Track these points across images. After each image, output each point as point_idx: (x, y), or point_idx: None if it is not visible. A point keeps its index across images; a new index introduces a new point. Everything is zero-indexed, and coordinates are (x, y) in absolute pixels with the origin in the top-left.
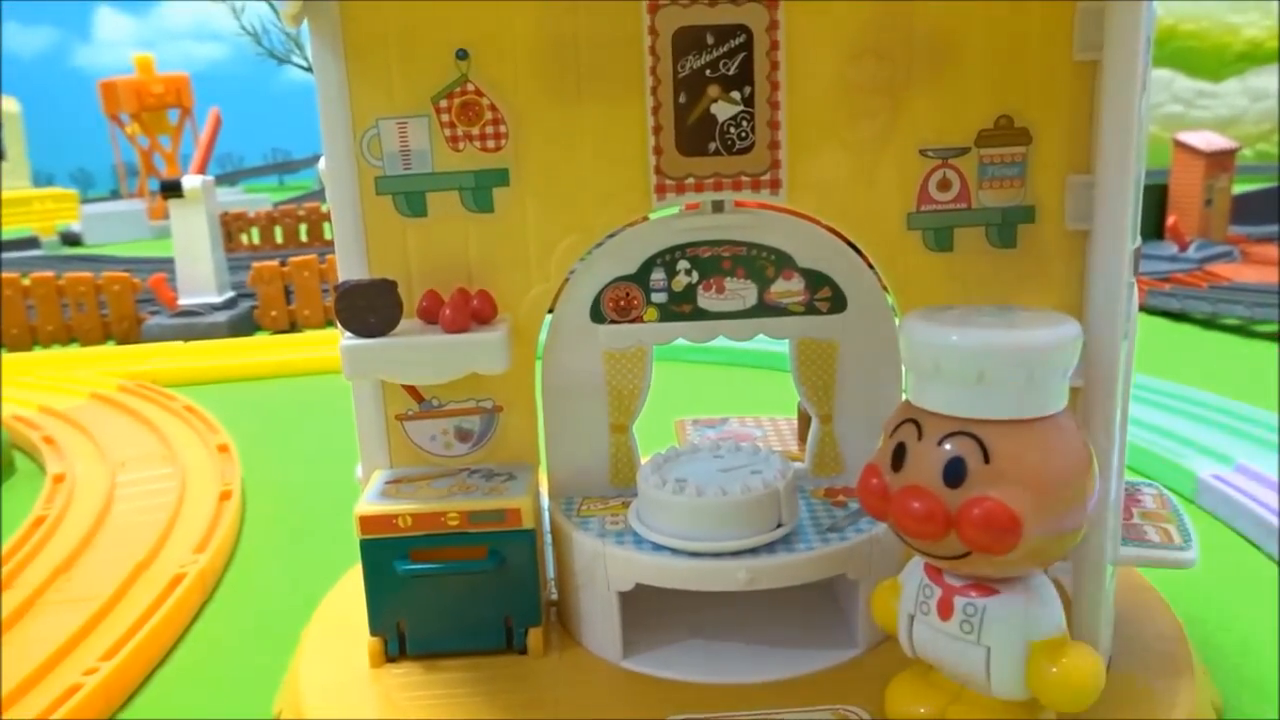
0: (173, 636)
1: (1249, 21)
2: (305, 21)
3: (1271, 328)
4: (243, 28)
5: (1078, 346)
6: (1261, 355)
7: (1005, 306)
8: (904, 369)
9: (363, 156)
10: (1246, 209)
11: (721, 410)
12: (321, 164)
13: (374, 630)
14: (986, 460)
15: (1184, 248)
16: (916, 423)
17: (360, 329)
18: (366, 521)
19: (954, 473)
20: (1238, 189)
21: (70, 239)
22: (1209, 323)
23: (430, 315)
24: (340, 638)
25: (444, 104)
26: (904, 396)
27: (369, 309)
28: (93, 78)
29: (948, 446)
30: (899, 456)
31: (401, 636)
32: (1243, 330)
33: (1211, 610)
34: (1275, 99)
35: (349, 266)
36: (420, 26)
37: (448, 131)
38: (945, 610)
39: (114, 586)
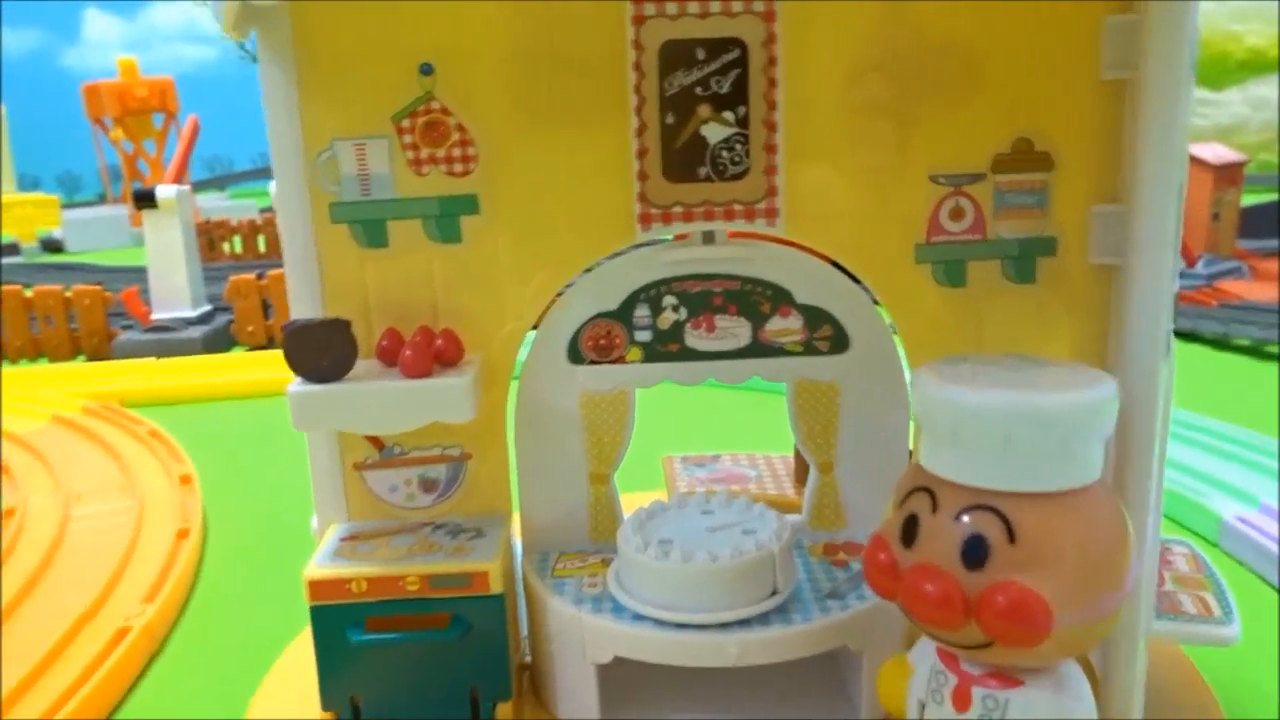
0: (110, 701)
1: (1250, 29)
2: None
3: None
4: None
5: (1114, 408)
6: (1276, 379)
7: (1029, 357)
8: (913, 424)
9: (316, 180)
10: (1252, 223)
11: (713, 440)
12: (272, 187)
13: (326, 705)
14: (1012, 539)
15: (1192, 263)
16: (931, 492)
17: (311, 373)
18: (316, 586)
19: (974, 552)
20: (1242, 202)
21: (51, 245)
22: (1220, 343)
23: (390, 356)
24: (292, 707)
25: (407, 123)
26: (912, 452)
27: (321, 350)
28: (80, 80)
29: (967, 521)
30: (910, 529)
31: (356, 711)
32: (1255, 352)
33: (1244, 672)
34: (1276, 108)
35: (301, 303)
36: (381, 37)
37: (411, 154)
38: (962, 701)
39: (51, 642)
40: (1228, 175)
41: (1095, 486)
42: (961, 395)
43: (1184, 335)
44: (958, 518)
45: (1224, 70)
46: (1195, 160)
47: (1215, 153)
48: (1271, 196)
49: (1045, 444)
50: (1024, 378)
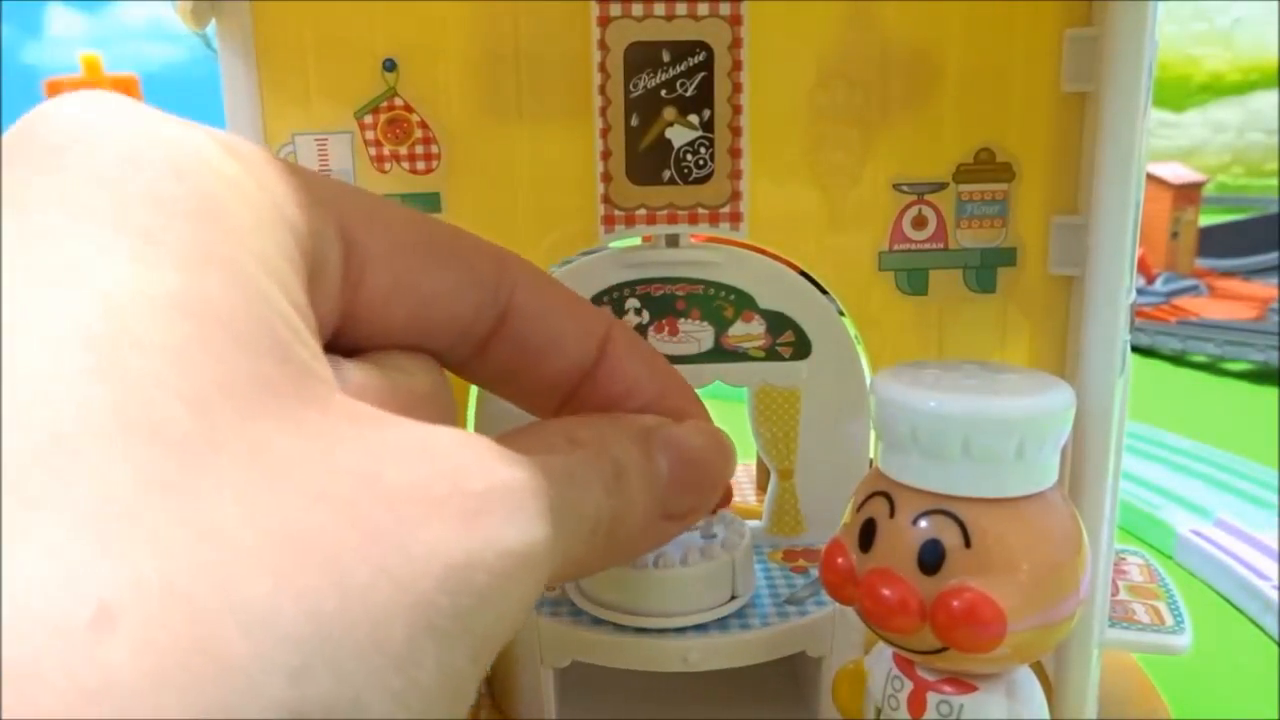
0: None
1: (1210, 54)
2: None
3: (1241, 366)
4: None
5: (1071, 414)
6: (1233, 395)
7: (990, 364)
8: (873, 431)
9: None
10: (1212, 242)
11: None
12: None
13: None
14: (968, 544)
15: (1150, 281)
16: (889, 496)
17: None
18: None
19: (930, 557)
20: (1201, 222)
21: None
22: (1178, 359)
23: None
24: None
25: (369, 120)
26: (872, 458)
27: None
28: (43, 76)
29: (923, 526)
30: (868, 534)
31: None
32: (1212, 368)
33: (1195, 681)
34: (1235, 131)
35: None
36: (344, 32)
37: (373, 150)
38: (917, 707)
39: None
40: (1187, 195)
41: (1051, 493)
42: (920, 400)
43: (1143, 351)
44: (914, 522)
45: (1185, 93)
46: (1155, 179)
47: (1175, 173)
48: (1232, 217)
49: (1003, 449)
50: (982, 383)
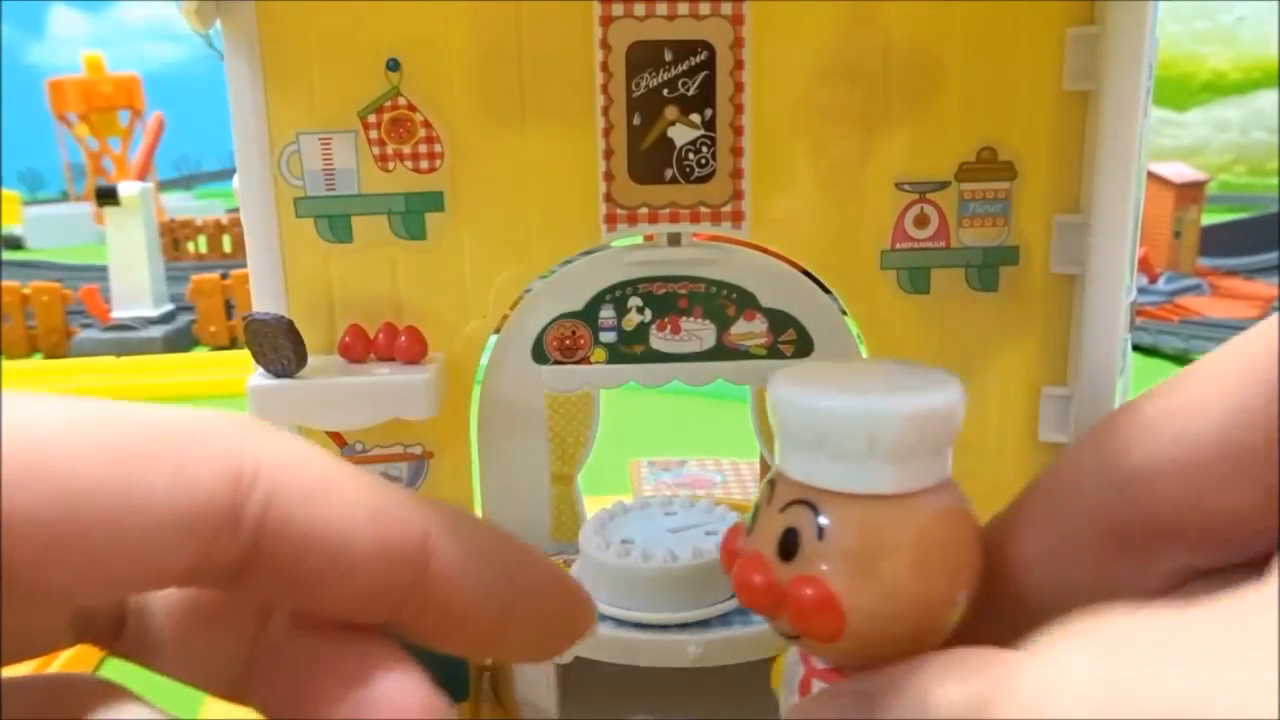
0: None
1: (1213, 52)
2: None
3: None
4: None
5: (944, 416)
6: None
7: (898, 362)
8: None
9: (281, 175)
10: (1214, 241)
11: (679, 444)
12: (235, 181)
13: None
14: (820, 535)
15: (1153, 280)
16: (772, 484)
17: (268, 366)
18: None
19: (787, 545)
20: (1203, 221)
21: (12, 243)
22: (1181, 359)
23: (352, 353)
24: (247, 709)
25: (373, 119)
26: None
27: (272, 347)
28: (45, 75)
29: (785, 514)
30: (754, 520)
31: None
32: None
33: None
34: (1237, 130)
35: (264, 296)
36: (347, 32)
37: (376, 150)
38: (805, 692)
39: None
40: (1189, 194)
41: (932, 495)
42: (784, 391)
43: (1146, 350)
44: (782, 510)
45: (1187, 92)
46: (1158, 178)
47: (1177, 171)
48: (1235, 215)
49: (854, 446)
50: (863, 382)
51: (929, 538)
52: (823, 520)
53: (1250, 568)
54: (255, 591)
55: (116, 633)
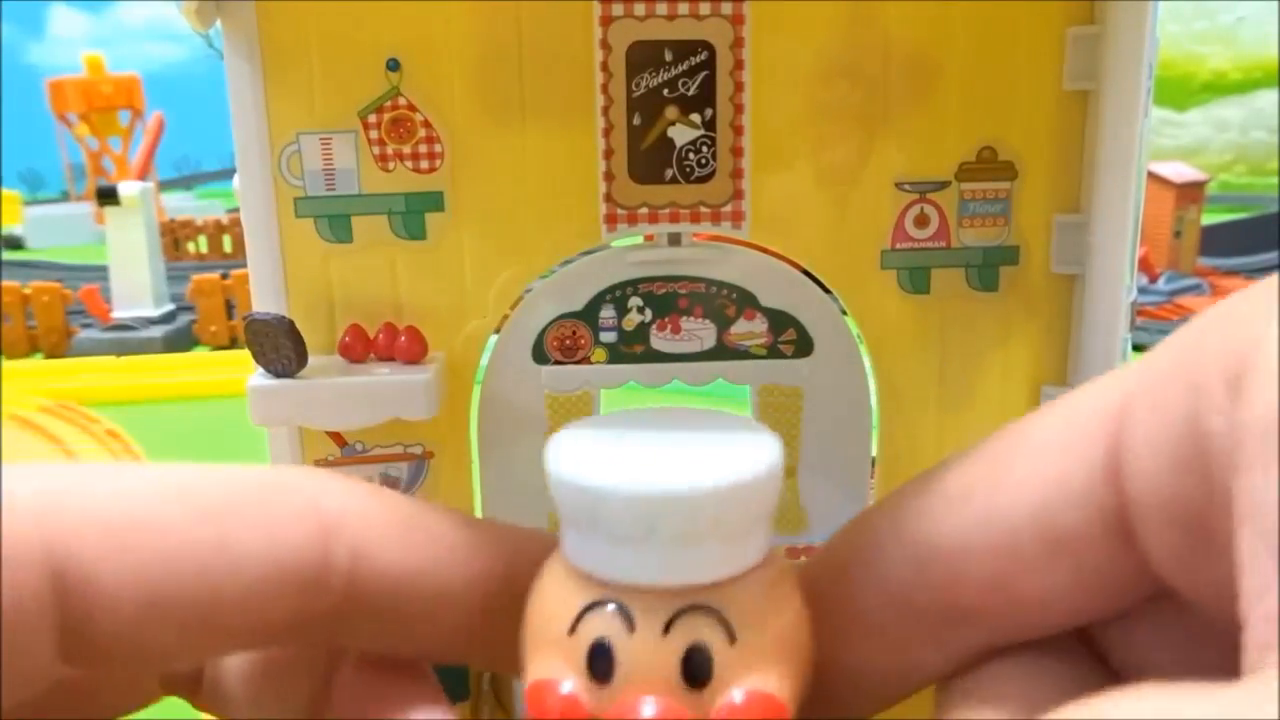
0: None
1: (1213, 52)
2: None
3: None
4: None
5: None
6: None
7: (691, 413)
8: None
9: (281, 175)
10: (1214, 241)
11: None
12: (236, 181)
13: None
14: (732, 640)
15: (1153, 280)
16: (622, 606)
17: (267, 366)
18: None
19: (696, 667)
20: (1204, 221)
21: (12, 243)
22: None
23: (352, 352)
24: None
25: (373, 119)
26: (565, 553)
27: (272, 347)
28: (45, 75)
29: (680, 631)
30: (602, 658)
31: None
32: None
33: None
34: (1237, 130)
35: (264, 296)
36: (347, 32)
37: (376, 149)
38: None
39: None
40: (1189, 194)
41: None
42: (637, 487)
43: (1146, 350)
44: (666, 630)
45: (1187, 92)
46: (1158, 178)
47: (1177, 171)
48: (1235, 215)
49: (750, 515)
50: (683, 451)
51: (790, 575)
52: (732, 619)
53: (1055, 643)
54: (352, 640)
55: (195, 688)
